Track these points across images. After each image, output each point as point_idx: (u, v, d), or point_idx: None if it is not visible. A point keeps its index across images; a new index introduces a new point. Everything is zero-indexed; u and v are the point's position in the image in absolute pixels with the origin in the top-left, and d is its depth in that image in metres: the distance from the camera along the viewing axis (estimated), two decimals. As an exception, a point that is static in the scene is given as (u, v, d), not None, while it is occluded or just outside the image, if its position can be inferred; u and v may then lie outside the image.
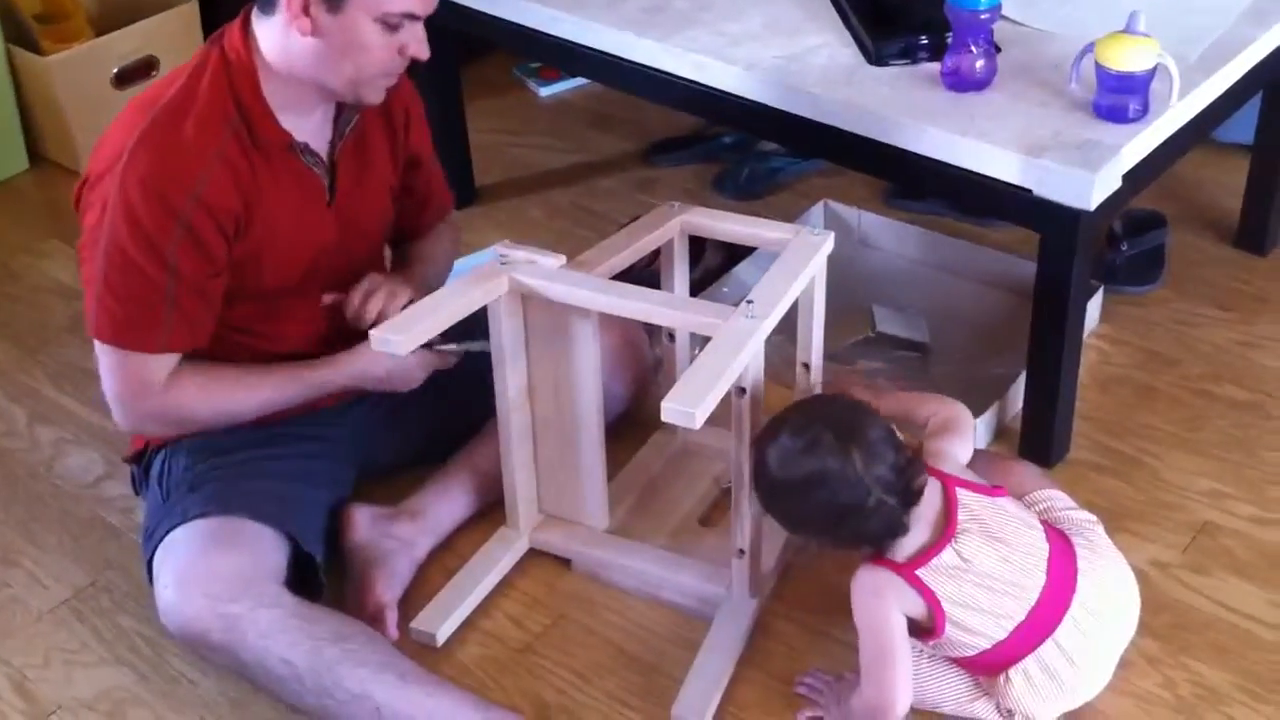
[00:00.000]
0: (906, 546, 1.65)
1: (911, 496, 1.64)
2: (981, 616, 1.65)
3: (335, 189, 1.91)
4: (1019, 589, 1.66)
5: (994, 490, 1.72)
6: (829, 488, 1.62)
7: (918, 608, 1.65)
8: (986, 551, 1.65)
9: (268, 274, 1.87)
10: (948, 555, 1.64)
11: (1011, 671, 1.67)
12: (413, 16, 1.77)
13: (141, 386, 1.85)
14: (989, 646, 1.67)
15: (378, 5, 1.74)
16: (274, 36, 1.78)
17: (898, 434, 1.67)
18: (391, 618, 1.88)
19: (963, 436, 1.79)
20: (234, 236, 1.82)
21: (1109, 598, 1.72)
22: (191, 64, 1.83)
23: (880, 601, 1.65)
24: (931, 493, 1.67)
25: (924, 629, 1.67)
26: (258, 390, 1.91)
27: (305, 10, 1.74)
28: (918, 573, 1.64)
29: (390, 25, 1.76)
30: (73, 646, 1.95)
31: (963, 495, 1.69)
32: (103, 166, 1.80)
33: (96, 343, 1.85)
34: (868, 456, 1.61)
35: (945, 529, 1.65)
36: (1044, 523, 1.74)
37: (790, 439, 1.65)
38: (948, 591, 1.64)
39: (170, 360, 1.85)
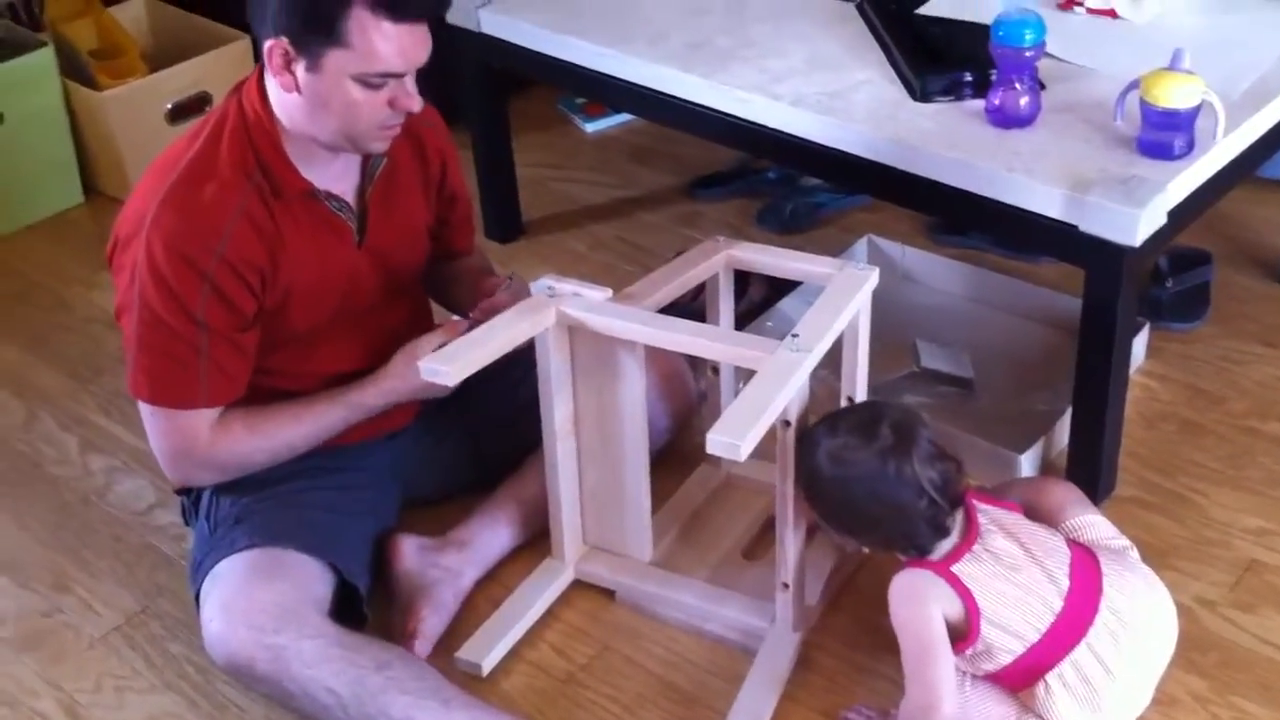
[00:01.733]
0: (940, 548, 1.72)
1: (957, 500, 1.72)
2: (1012, 612, 1.70)
3: (365, 231, 1.92)
4: (1045, 586, 1.71)
5: (1006, 504, 1.80)
6: (886, 486, 1.69)
7: (954, 606, 1.70)
8: (1010, 548, 1.73)
9: (298, 318, 1.89)
10: (977, 550, 1.71)
11: (1049, 677, 1.70)
12: (395, 75, 1.75)
13: (191, 442, 1.88)
14: (1023, 651, 1.70)
15: (354, 66, 1.71)
16: (274, 90, 1.79)
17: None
18: (421, 647, 1.89)
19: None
20: (261, 289, 1.83)
21: (1139, 609, 1.74)
22: (211, 119, 1.85)
23: (919, 601, 1.71)
24: None
25: (960, 634, 1.70)
26: (303, 420, 1.93)
27: (286, 67, 1.73)
28: (953, 569, 1.70)
29: (371, 85, 1.74)
30: (124, 672, 1.97)
31: (979, 504, 1.78)
32: (129, 230, 1.82)
33: (141, 405, 1.88)
34: (923, 459, 1.70)
35: (969, 532, 1.74)
36: (1067, 540, 1.79)
37: (850, 437, 1.73)
38: (980, 586, 1.70)
39: (213, 413, 1.87)
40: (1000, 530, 1.74)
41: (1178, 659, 1.81)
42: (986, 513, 1.76)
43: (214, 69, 3.02)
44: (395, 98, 1.76)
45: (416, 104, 1.78)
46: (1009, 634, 1.70)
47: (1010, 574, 1.71)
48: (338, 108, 1.75)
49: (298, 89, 1.75)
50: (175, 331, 1.80)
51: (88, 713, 1.92)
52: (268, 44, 1.73)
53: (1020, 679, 1.72)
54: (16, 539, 2.20)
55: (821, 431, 1.76)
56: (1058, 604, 1.70)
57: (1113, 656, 1.70)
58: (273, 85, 1.78)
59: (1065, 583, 1.72)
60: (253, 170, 1.81)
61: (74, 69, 3.00)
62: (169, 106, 3.00)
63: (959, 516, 1.74)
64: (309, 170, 1.84)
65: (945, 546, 1.72)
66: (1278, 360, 2.40)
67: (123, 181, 2.99)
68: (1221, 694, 1.84)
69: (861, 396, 1.99)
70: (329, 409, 1.94)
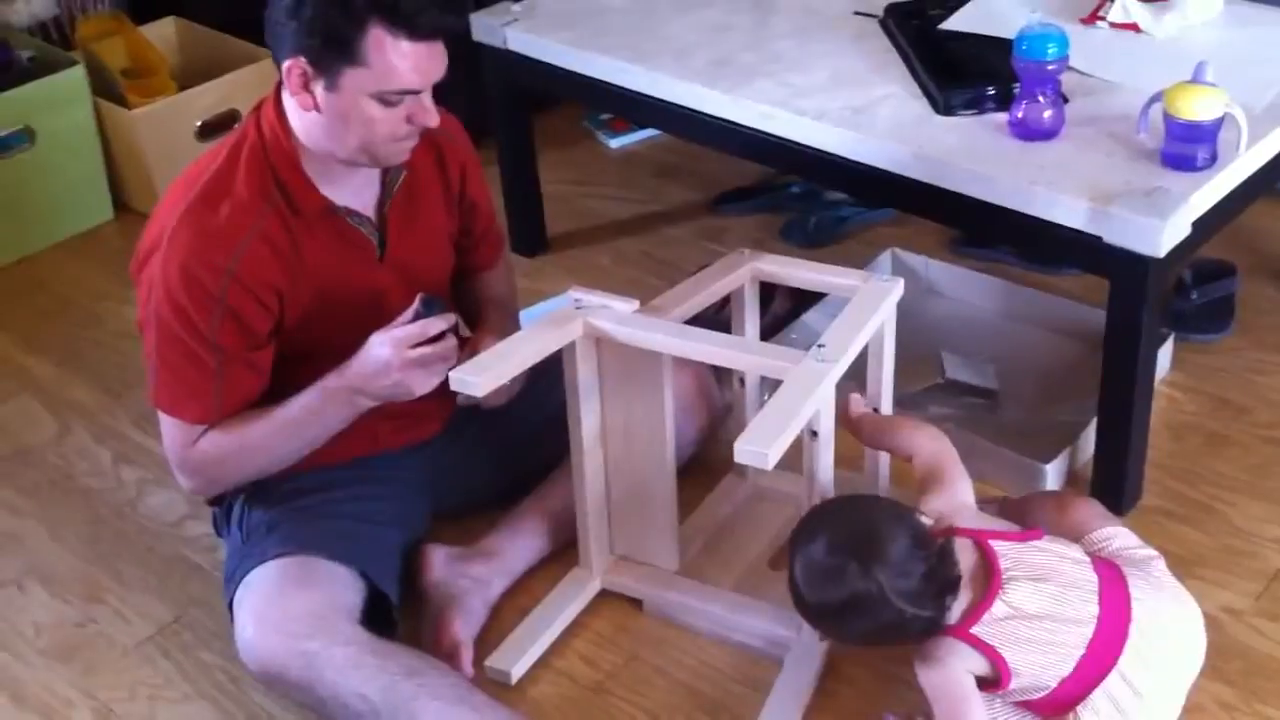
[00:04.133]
0: (955, 611, 1.68)
1: (949, 588, 1.66)
2: (1043, 656, 1.67)
3: (386, 244, 1.94)
4: (1075, 623, 1.68)
5: (1026, 534, 1.73)
6: (864, 612, 1.65)
7: (980, 665, 1.67)
8: (1035, 594, 1.67)
9: (326, 333, 1.90)
10: (998, 608, 1.66)
11: (1080, 708, 1.68)
12: (412, 91, 1.77)
13: (184, 446, 1.90)
14: (1056, 685, 1.68)
15: (374, 84, 1.74)
16: (292, 109, 1.81)
17: (922, 528, 1.68)
18: (467, 656, 1.91)
19: (953, 480, 1.80)
20: (279, 307, 1.85)
21: (1167, 627, 1.72)
22: (233, 137, 1.87)
23: (943, 665, 1.67)
24: (966, 552, 1.69)
25: (991, 681, 1.68)
26: (273, 415, 1.88)
27: (305, 87, 1.76)
28: (972, 631, 1.66)
29: (389, 102, 1.76)
30: (157, 682, 1.99)
31: (998, 546, 1.70)
32: (150, 244, 1.84)
33: (159, 411, 1.90)
34: (896, 575, 1.63)
35: (990, 583, 1.67)
36: (1092, 556, 1.75)
37: (816, 566, 1.67)
38: (1005, 641, 1.66)
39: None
40: (1026, 576, 1.67)
41: (1204, 668, 1.80)
42: (1008, 556, 1.68)
43: (243, 87, 3.05)
44: (413, 113, 1.79)
45: (433, 119, 1.81)
46: (1041, 674, 1.67)
47: (1036, 624, 1.66)
48: (356, 125, 1.77)
49: (317, 108, 1.77)
50: (191, 352, 1.83)
51: (122, 721, 1.95)
52: (286, 64, 1.76)
53: (1052, 709, 1.71)
54: (51, 551, 2.23)
55: (796, 549, 1.71)
56: (1088, 633, 1.66)
57: (1143, 679, 1.68)
58: (291, 104, 1.81)
59: (1095, 609, 1.67)
60: (270, 190, 1.83)
61: (105, 87, 3.04)
62: (198, 124, 3.03)
63: (969, 570, 1.66)
64: (327, 187, 1.86)
65: (957, 612, 1.66)
66: (1302, 372, 2.41)
67: (152, 198, 2.99)
68: (1248, 702, 1.84)
69: (887, 407, 2.00)
70: (297, 398, 1.87)
